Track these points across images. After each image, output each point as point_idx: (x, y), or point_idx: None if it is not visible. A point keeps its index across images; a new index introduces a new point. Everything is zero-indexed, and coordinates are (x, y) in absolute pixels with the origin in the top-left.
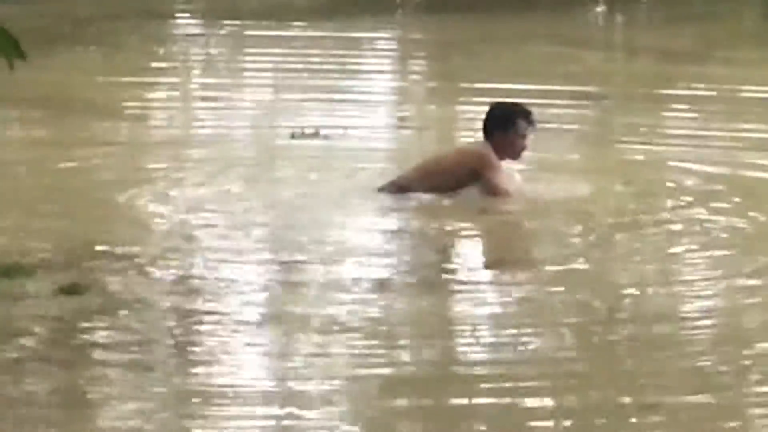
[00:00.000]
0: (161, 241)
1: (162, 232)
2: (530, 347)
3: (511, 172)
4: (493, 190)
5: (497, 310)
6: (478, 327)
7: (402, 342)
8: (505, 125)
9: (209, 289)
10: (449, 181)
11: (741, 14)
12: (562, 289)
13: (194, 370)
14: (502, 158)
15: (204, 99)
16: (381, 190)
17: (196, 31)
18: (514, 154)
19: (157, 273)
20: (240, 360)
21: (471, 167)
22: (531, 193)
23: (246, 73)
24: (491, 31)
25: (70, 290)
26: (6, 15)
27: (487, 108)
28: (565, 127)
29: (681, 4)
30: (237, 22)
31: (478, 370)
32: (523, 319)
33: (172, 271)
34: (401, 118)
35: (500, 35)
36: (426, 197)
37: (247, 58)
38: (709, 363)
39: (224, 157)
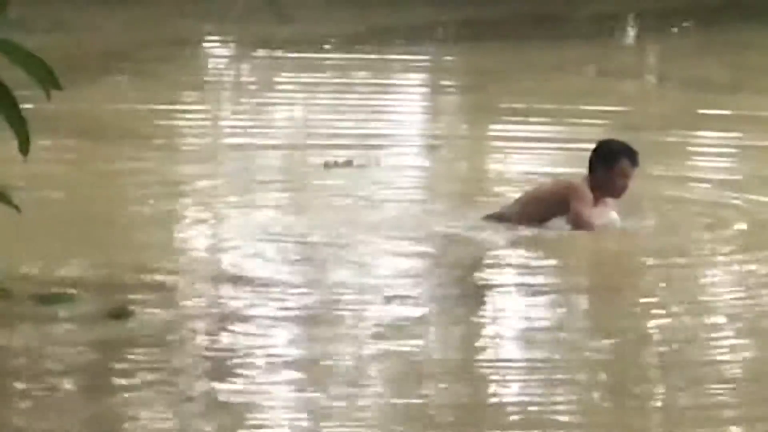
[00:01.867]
0: (197, 270)
1: (198, 261)
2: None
3: (606, 209)
4: (576, 220)
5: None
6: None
7: (434, 379)
8: (608, 162)
9: (244, 321)
10: (540, 209)
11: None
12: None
13: (229, 406)
14: (602, 195)
15: (235, 128)
16: (485, 219)
17: (228, 58)
18: (615, 193)
19: (193, 302)
20: (273, 398)
21: (561, 196)
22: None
23: (278, 102)
24: (526, 59)
25: (113, 316)
26: (36, 45)
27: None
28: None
29: (711, 34)
30: (269, 50)
31: (508, 409)
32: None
33: (208, 301)
34: (434, 148)
35: (534, 65)
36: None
37: (279, 87)
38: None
39: (257, 187)
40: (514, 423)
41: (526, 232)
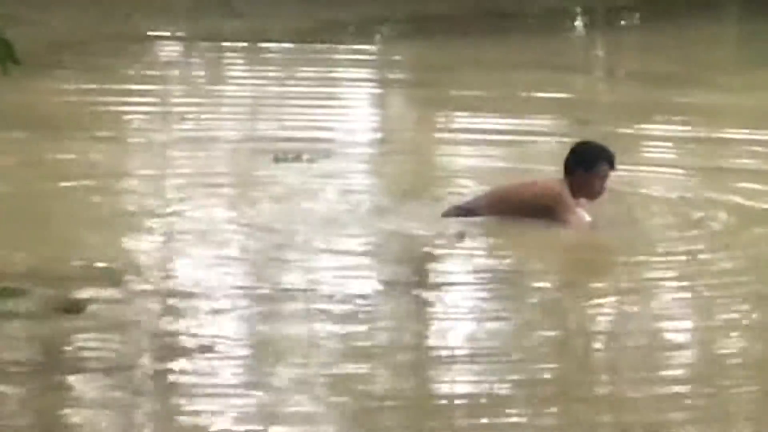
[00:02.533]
0: (146, 262)
1: (146, 253)
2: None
3: (582, 210)
4: (564, 226)
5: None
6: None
7: (385, 366)
8: (587, 165)
9: (193, 313)
10: (520, 211)
11: (718, 38)
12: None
13: (179, 397)
14: (577, 197)
15: (183, 122)
16: (445, 215)
17: (176, 52)
18: (591, 195)
19: (142, 295)
20: (222, 384)
21: (545, 204)
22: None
23: (226, 96)
24: (475, 54)
25: (65, 310)
26: None
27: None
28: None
29: (658, 29)
30: (217, 44)
31: (458, 400)
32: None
33: (157, 293)
34: (384, 141)
35: (483, 60)
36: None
37: (228, 81)
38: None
39: (206, 181)
40: (462, 412)
41: (476, 226)
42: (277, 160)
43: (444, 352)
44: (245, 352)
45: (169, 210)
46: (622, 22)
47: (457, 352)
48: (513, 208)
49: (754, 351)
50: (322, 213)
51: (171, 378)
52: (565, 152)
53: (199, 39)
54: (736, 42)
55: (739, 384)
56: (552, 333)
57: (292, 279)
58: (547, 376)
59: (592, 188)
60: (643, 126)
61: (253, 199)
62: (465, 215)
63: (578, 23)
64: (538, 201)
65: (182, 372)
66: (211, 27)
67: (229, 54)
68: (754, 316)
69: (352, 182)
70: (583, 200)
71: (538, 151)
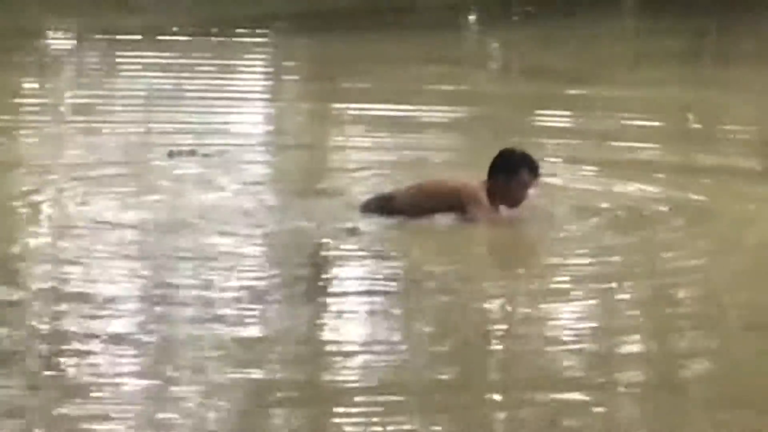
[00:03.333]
0: (37, 255)
1: (37, 246)
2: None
3: (500, 216)
4: (471, 220)
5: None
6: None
7: (274, 356)
8: (509, 172)
9: (81, 311)
10: (432, 204)
11: (615, 33)
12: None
13: (68, 392)
14: (497, 203)
15: (78, 114)
16: (365, 205)
17: (72, 46)
18: (512, 202)
19: (34, 286)
20: (112, 376)
21: (458, 198)
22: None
23: (120, 90)
24: (370, 49)
25: None
26: None
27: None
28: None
29: (554, 24)
30: (111, 37)
31: (348, 386)
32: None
33: (48, 286)
34: (279, 135)
35: (379, 54)
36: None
37: (122, 75)
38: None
39: (99, 174)
40: (358, 402)
41: (373, 223)
42: (171, 154)
43: (334, 347)
44: (135, 350)
45: (60, 204)
46: (515, 18)
47: (348, 348)
48: (430, 201)
49: (651, 354)
50: (215, 208)
51: (59, 375)
52: (458, 145)
53: (95, 33)
54: (633, 37)
55: (634, 385)
56: (445, 333)
57: (184, 277)
58: (441, 377)
59: (512, 195)
60: (536, 119)
61: (146, 194)
62: (383, 205)
63: (472, 17)
64: (453, 196)
65: (71, 368)
66: (107, 22)
67: (123, 48)
68: (646, 319)
69: (245, 177)
70: (503, 207)
71: (432, 143)
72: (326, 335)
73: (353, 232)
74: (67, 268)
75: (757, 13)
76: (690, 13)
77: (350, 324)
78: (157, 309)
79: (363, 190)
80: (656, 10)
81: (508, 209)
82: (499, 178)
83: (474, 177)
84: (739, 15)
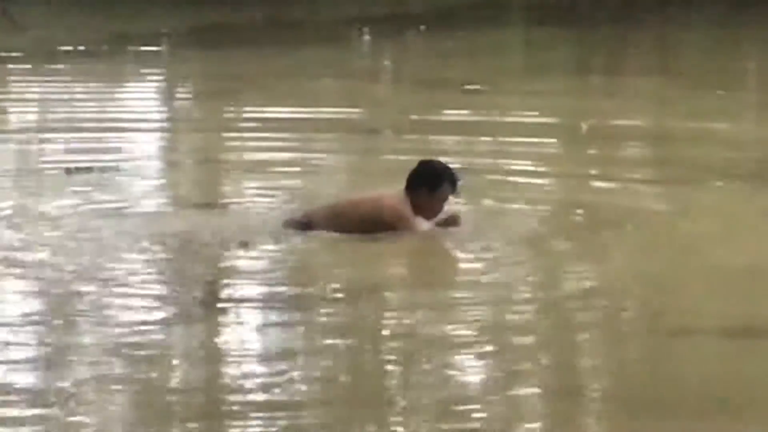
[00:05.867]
0: None
1: None
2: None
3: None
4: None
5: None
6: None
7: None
8: (432, 185)
9: None
10: (359, 226)
11: (504, 45)
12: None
13: None
14: (418, 214)
15: None
16: (286, 225)
17: None
18: (431, 215)
19: None
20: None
21: (387, 222)
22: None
23: (11, 110)
24: (265, 64)
25: None
26: None
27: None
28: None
29: (445, 37)
30: (1, 58)
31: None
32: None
33: None
34: (172, 151)
35: (274, 68)
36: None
37: (12, 94)
38: None
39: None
40: (259, 404)
41: (269, 236)
42: (69, 172)
43: (233, 360)
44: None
45: None
46: (410, 32)
47: (246, 361)
48: (352, 223)
49: (546, 376)
50: (112, 225)
51: None
52: (354, 149)
53: None
54: (522, 49)
55: (530, 406)
56: (343, 347)
57: (80, 303)
58: (336, 392)
59: (432, 208)
60: (427, 129)
61: (42, 213)
62: (303, 229)
63: (365, 32)
64: (379, 219)
65: None
66: None
67: (13, 67)
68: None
69: (142, 192)
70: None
71: (323, 166)
72: (223, 349)
73: (244, 245)
74: None
75: (644, 25)
76: (577, 24)
77: (247, 336)
78: (58, 323)
79: (260, 203)
80: (543, 23)
81: (426, 220)
82: (420, 191)
83: (377, 190)
84: (624, 27)
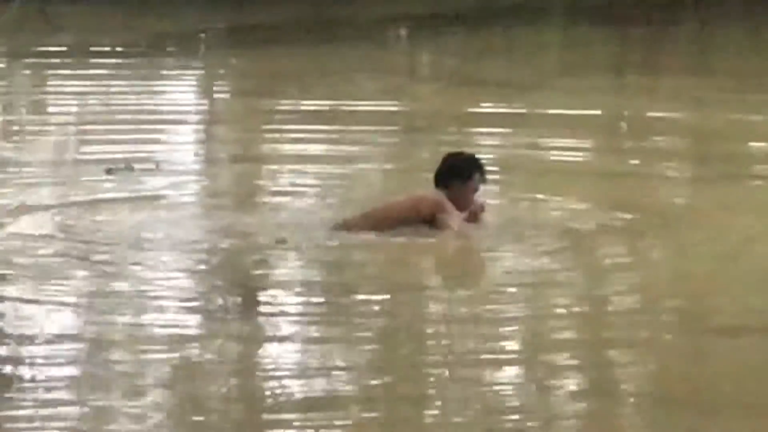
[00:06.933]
0: None
1: None
2: None
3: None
4: (446, 229)
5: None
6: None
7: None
8: (464, 176)
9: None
10: (399, 217)
11: (543, 45)
12: None
13: None
14: (455, 209)
15: (8, 138)
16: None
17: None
18: (465, 206)
19: None
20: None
21: (427, 213)
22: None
23: (52, 109)
24: (311, 63)
25: None
26: None
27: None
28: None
29: (484, 35)
30: (40, 59)
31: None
32: None
33: None
34: (213, 151)
35: (320, 66)
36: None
37: (52, 96)
38: None
39: (39, 190)
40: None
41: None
42: (109, 171)
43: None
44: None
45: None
46: (450, 31)
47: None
48: (394, 224)
49: (585, 375)
50: (155, 224)
51: None
52: (392, 149)
53: (22, 54)
54: (560, 48)
55: (569, 405)
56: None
57: (123, 291)
58: (373, 382)
59: (466, 199)
60: (469, 130)
61: (86, 211)
62: (347, 231)
63: (403, 31)
64: (419, 213)
65: None
66: (33, 41)
67: (52, 68)
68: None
69: (182, 192)
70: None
71: (364, 158)
72: (261, 358)
73: (282, 241)
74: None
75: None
76: (614, 23)
77: (284, 348)
78: (91, 327)
79: (298, 199)
80: (581, 23)
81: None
82: (454, 184)
83: (417, 191)
84: (663, 27)
